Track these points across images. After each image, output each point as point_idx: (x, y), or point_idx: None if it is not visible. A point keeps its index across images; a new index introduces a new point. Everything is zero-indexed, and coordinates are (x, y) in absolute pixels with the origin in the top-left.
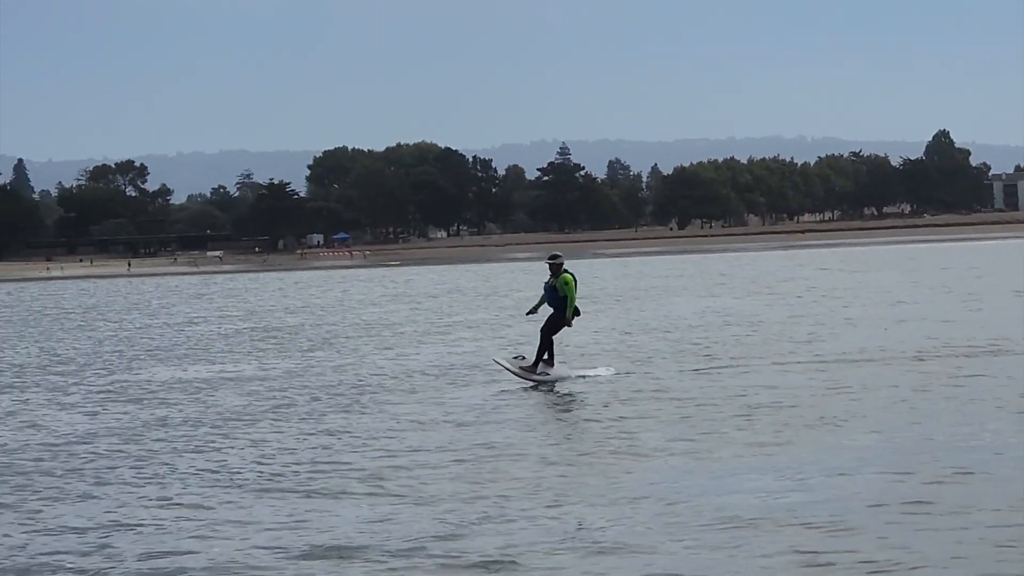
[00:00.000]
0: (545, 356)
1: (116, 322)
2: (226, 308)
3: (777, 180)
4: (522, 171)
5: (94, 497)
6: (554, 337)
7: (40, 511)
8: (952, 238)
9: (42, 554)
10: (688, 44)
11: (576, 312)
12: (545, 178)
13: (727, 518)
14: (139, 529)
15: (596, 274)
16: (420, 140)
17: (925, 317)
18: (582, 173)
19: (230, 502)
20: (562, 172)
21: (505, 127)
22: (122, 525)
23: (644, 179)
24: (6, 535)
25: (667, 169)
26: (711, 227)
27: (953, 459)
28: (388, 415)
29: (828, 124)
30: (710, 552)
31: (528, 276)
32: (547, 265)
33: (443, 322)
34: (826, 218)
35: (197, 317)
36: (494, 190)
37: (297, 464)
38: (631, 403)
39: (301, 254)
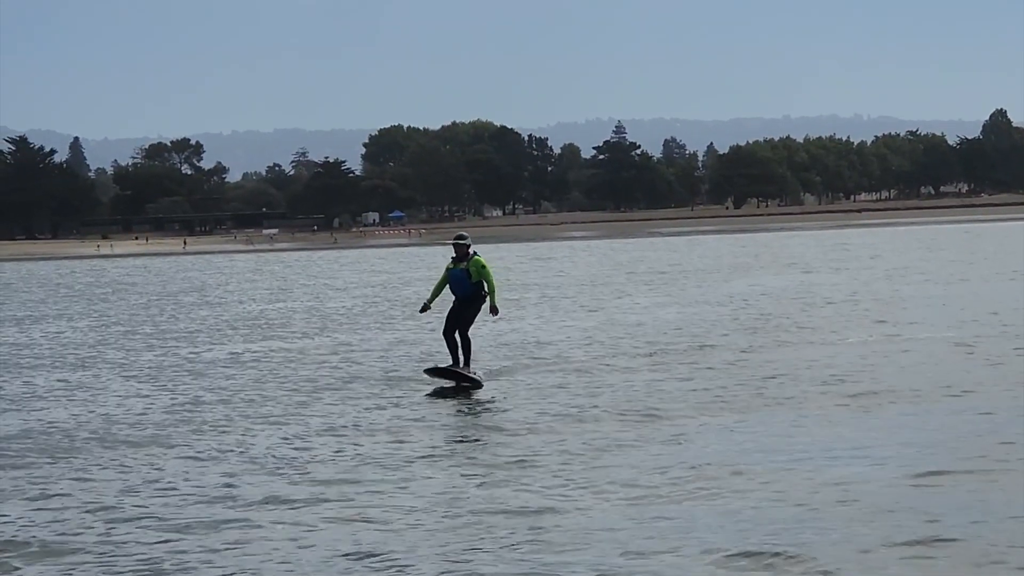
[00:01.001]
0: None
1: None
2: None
3: (833, 159)
4: (577, 150)
5: None
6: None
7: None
8: (1011, 217)
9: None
10: (744, 23)
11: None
12: (601, 157)
13: None
14: None
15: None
16: (475, 118)
17: None
18: (638, 152)
19: None
20: (618, 151)
21: (560, 106)
22: None
23: (700, 158)
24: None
25: (723, 148)
26: (767, 206)
27: None
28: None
29: (884, 103)
30: None
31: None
32: (452, 247)
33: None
34: (882, 197)
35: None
36: (549, 168)
37: None
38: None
39: (360, 232)
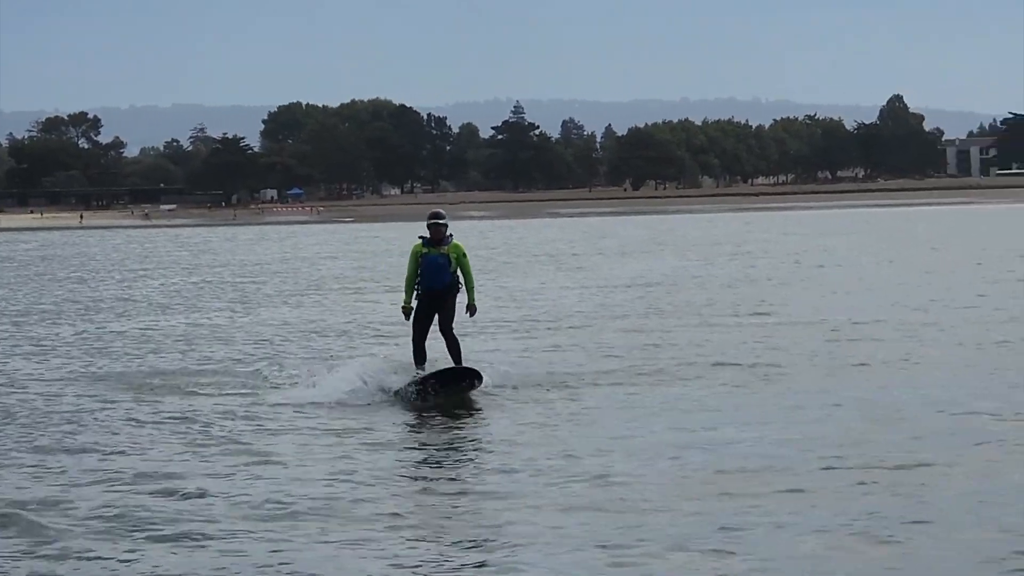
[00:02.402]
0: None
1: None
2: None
3: (731, 142)
4: (476, 129)
5: None
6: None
7: None
8: (905, 203)
9: None
10: (643, 5)
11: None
12: (499, 137)
13: None
14: None
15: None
16: (374, 97)
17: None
18: (536, 132)
19: None
20: (516, 131)
21: (459, 85)
22: None
23: (598, 139)
24: None
25: (621, 129)
26: (665, 188)
27: None
28: None
29: (782, 87)
30: None
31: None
32: (428, 227)
33: None
34: (780, 181)
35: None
36: (448, 148)
37: None
38: None
39: (259, 208)
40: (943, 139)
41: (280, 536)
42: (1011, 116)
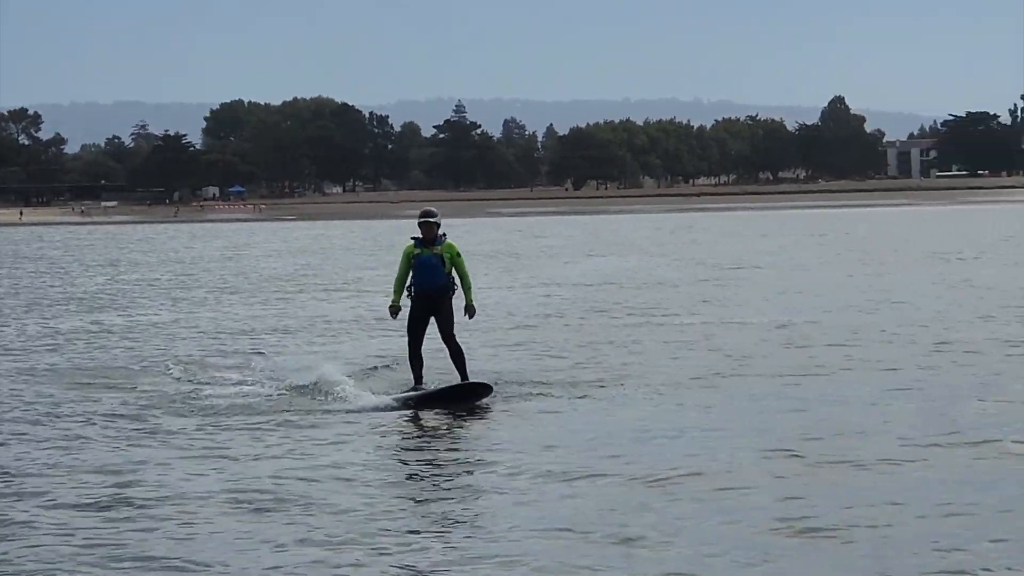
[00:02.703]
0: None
1: None
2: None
3: (673, 142)
4: (418, 128)
5: None
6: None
7: None
8: (846, 204)
9: None
10: (584, 4)
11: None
12: (441, 136)
13: None
14: None
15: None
16: (317, 95)
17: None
18: (478, 132)
19: None
20: (458, 130)
21: (401, 84)
22: None
23: (540, 139)
24: None
25: (563, 129)
26: (606, 188)
27: None
28: None
29: (724, 88)
30: None
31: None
32: (419, 226)
33: None
34: (721, 181)
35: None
36: (390, 147)
37: None
38: None
39: (200, 206)
40: (884, 140)
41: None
42: (951, 118)
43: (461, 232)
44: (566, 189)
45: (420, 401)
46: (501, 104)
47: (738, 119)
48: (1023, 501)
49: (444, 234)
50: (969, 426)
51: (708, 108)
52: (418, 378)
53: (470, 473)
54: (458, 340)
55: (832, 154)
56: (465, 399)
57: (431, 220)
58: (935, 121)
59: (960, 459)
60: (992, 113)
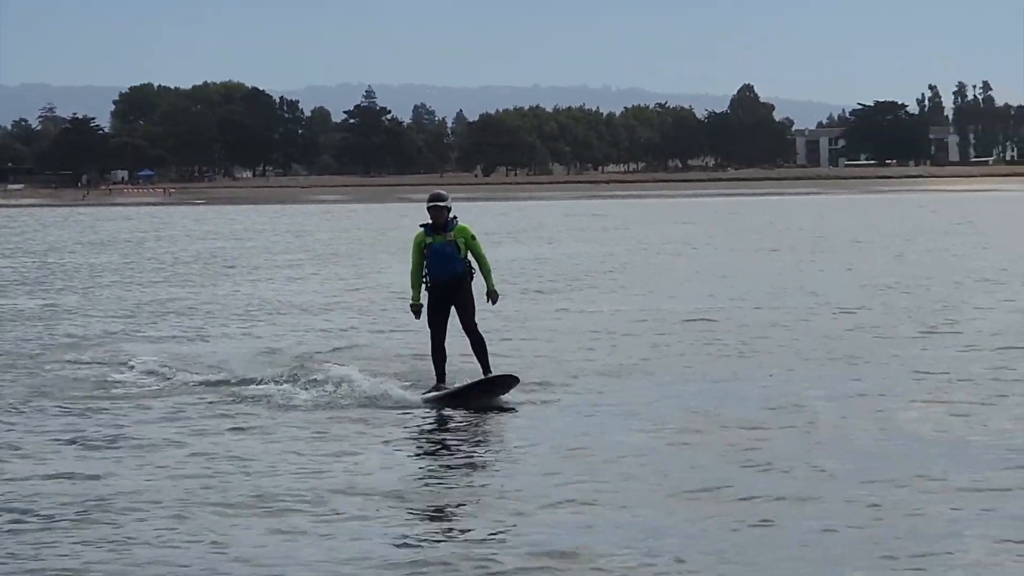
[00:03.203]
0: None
1: None
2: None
3: (582, 129)
4: (328, 113)
5: None
6: None
7: None
8: (755, 193)
9: None
10: None
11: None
12: (351, 121)
13: None
14: None
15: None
16: (227, 79)
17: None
18: (388, 117)
19: None
20: (368, 116)
21: (311, 69)
22: None
23: (449, 125)
24: None
25: (472, 115)
26: (516, 175)
27: None
28: None
29: (634, 75)
30: None
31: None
32: (428, 211)
33: None
34: (631, 169)
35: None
36: (300, 132)
37: None
38: None
39: (109, 189)
40: (793, 129)
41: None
42: (860, 107)
43: (369, 217)
44: (476, 175)
45: (443, 401)
46: (411, 90)
47: (647, 107)
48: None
49: (455, 217)
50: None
51: (617, 95)
52: (441, 375)
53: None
54: (480, 330)
55: (741, 142)
56: (490, 393)
57: (440, 204)
58: (844, 110)
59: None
60: (900, 103)
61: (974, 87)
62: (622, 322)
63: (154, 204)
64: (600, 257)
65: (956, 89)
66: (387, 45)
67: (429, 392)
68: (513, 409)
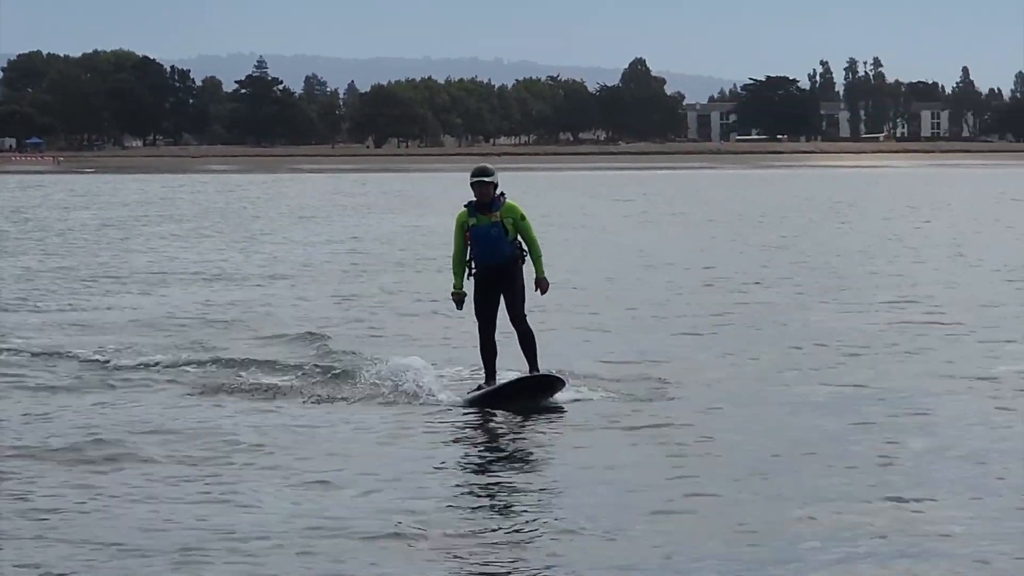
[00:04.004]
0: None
1: None
2: None
3: (474, 101)
4: (219, 83)
5: None
6: None
7: None
8: (647, 166)
9: None
10: None
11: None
12: (243, 91)
13: None
14: None
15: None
16: (117, 48)
17: None
18: (279, 88)
19: None
20: (259, 86)
21: (202, 38)
22: None
23: (341, 96)
24: None
25: (364, 87)
26: (407, 146)
27: None
28: None
29: (525, 48)
30: None
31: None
32: (471, 187)
33: None
34: (522, 142)
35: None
36: (191, 101)
37: None
38: None
39: None
40: (684, 103)
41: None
42: (751, 82)
43: (268, 188)
44: (368, 147)
45: (486, 400)
46: (302, 60)
47: (539, 79)
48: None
49: (503, 194)
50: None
51: (509, 68)
52: (491, 373)
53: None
54: (529, 322)
55: (632, 116)
56: (536, 394)
57: (486, 179)
58: (735, 85)
59: None
60: (792, 78)
61: (865, 63)
62: None
63: (43, 172)
64: None
65: (847, 65)
66: (278, 15)
67: (473, 392)
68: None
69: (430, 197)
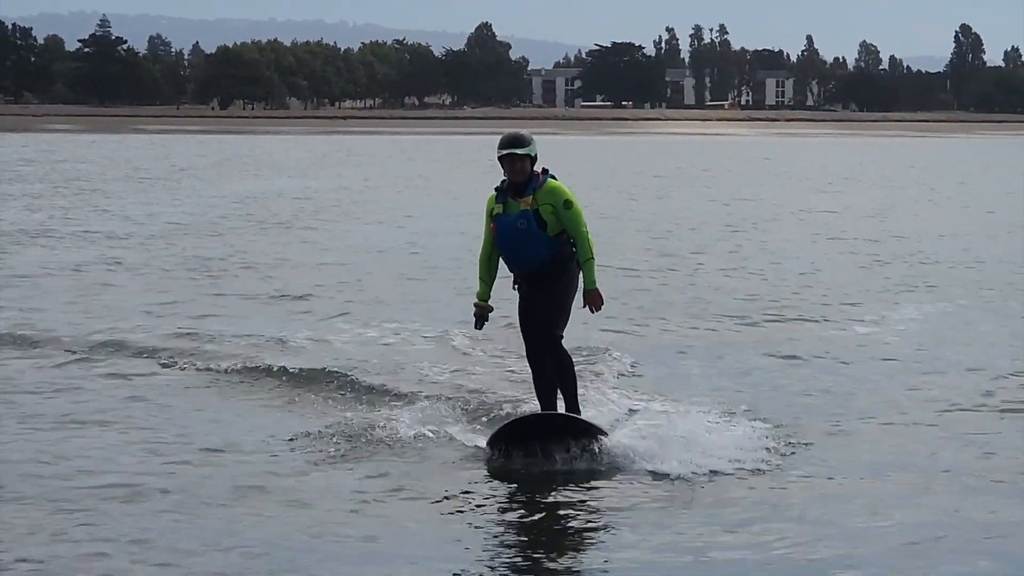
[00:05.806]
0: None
1: None
2: None
3: (320, 64)
4: (62, 42)
5: None
6: None
7: None
8: (493, 131)
9: None
10: None
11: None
12: (86, 50)
13: None
14: None
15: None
16: None
17: None
18: (123, 48)
19: None
20: (103, 45)
21: None
22: None
23: (186, 57)
24: None
25: (209, 48)
26: (253, 109)
27: None
28: None
29: (371, 10)
30: None
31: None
32: (500, 161)
33: None
34: (368, 105)
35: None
36: (33, 60)
37: None
38: None
39: None
40: (529, 69)
41: None
42: (597, 48)
43: (115, 147)
44: (212, 108)
45: (508, 437)
46: (146, 20)
47: (385, 43)
48: None
49: (546, 170)
50: None
51: (354, 31)
52: (551, 401)
53: None
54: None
55: (478, 81)
56: (567, 434)
57: (518, 152)
58: (580, 51)
59: None
60: (637, 44)
61: (711, 30)
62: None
63: None
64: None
65: (693, 32)
66: None
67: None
68: None
69: (279, 160)
